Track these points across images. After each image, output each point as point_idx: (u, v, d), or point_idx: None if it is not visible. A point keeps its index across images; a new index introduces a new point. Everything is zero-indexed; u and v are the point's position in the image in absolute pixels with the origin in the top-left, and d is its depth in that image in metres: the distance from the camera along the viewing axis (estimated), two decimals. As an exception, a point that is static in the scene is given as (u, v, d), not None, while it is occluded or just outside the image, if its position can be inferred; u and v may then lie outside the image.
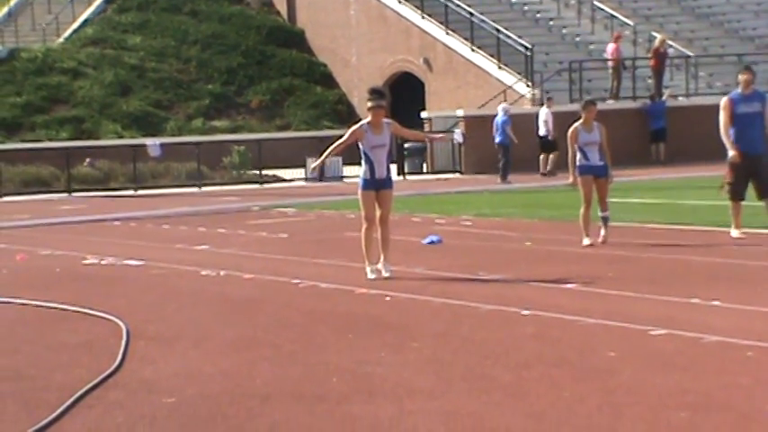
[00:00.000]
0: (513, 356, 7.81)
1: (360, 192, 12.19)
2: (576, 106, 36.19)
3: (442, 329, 8.97)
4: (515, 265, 12.69)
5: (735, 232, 14.42)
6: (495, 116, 30.38)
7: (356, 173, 37.63)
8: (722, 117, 14.34)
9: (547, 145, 31.02)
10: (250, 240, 16.83)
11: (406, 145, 35.25)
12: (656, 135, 33.87)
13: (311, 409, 6.50)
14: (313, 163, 12.55)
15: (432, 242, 15.27)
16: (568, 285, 10.98)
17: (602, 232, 14.48)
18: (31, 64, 43.31)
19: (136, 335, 9.01)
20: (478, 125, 34.25)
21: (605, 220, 14.59)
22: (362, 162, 12.17)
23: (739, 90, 14.45)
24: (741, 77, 14.39)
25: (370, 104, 12.05)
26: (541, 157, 31.27)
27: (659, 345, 8.04)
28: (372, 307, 10.20)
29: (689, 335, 8.30)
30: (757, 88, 14.74)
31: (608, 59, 35.72)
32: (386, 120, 12.20)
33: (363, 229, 12.15)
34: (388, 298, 10.61)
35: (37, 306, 10.80)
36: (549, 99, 32.23)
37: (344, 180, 33.80)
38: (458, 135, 34.19)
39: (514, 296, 10.41)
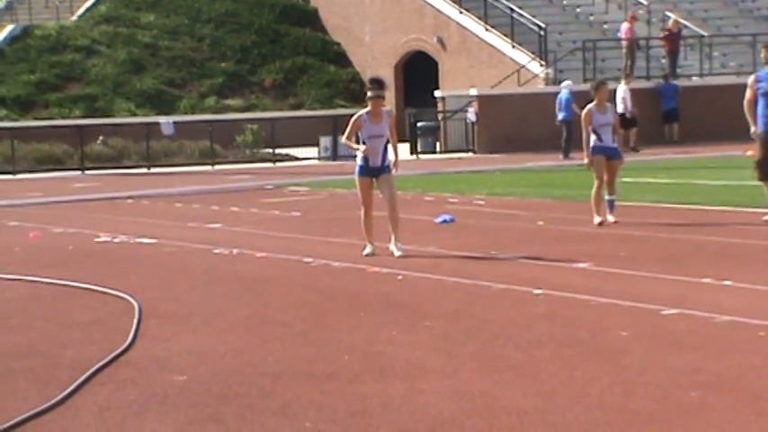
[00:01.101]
0: (524, 336, 7.81)
1: (356, 178, 12.44)
2: (589, 86, 36.17)
3: (453, 308, 8.97)
4: (528, 245, 12.68)
5: None
6: (558, 93, 30.28)
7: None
8: (747, 94, 14.25)
9: (626, 122, 31.10)
10: (263, 219, 16.85)
11: (419, 124, 35.24)
12: (669, 115, 33.74)
13: (323, 388, 6.51)
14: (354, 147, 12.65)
15: (444, 221, 15.26)
16: (580, 265, 10.97)
17: (609, 216, 14.44)
18: (45, 41, 43.33)
19: (148, 313, 9.04)
20: (492, 104, 34.20)
21: (611, 203, 14.57)
22: (348, 129, 12.44)
23: (766, 68, 14.29)
24: (764, 54, 14.26)
25: (369, 94, 12.20)
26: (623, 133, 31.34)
27: (671, 324, 8.03)
28: (384, 286, 10.20)
29: (700, 314, 8.28)
30: None
31: (622, 39, 35.58)
32: (385, 109, 12.38)
33: (361, 213, 12.47)
34: (400, 277, 10.61)
35: (49, 283, 10.84)
36: (627, 76, 32.45)
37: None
38: (471, 114, 34.14)
39: (526, 275, 10.41)
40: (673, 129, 33.63)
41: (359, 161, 12.38)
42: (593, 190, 14.41)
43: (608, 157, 14.43)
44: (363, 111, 12.33)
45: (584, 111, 14.52)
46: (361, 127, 12.26)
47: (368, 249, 12.28)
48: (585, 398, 6.13)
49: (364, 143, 12.27)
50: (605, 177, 14.49)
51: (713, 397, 6.08)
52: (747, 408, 5.85)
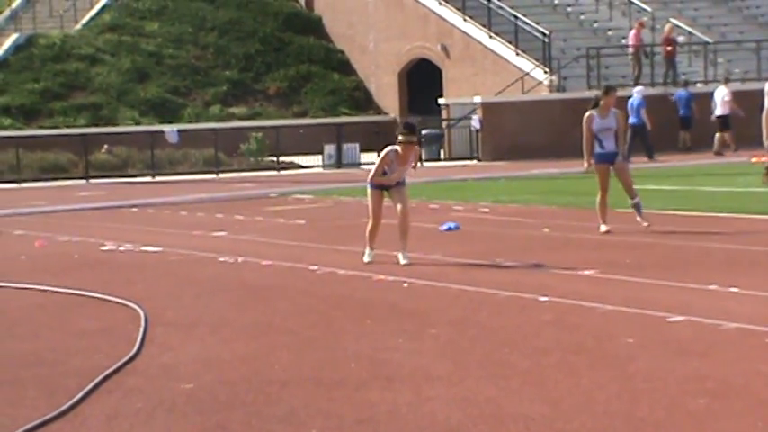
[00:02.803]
0: (530, 343, 7.81)
1: (368, 189, 12.46)
2: (593, 93, 36.14)
3: (459, 316, 8.97)
4: (533, 252, 12.68)
5: None
6: (630, 98, 30.38)
7: (372, 159, 37.41)
8: (765, 102, 14.17)
9: (725, 123, 31.26)
10: (268, 227, 16.86)
11: (423, 132, 35.23)
12: (683, 122, 33.50)
13: (329, 395, 6.51)
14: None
15: (449, 229, 15.26)
16: (586, 272, 10.97)
17: (639, 219, 14.36)
18: (49, 50, 43.37)
19: (154, 321, 9.04)
20: (496, 112, 34.21)
21: (637, 207, 14.47)
22: (377, 165, 12.30)
23: None
24: None
25: (402, 138, 12.14)
26: (717, 136, 31.45)
27: (677, 331, 8.03)
28: (390, 293, 10.21)
29: (707, 321, 8.28)
30: None
31: (629, 46, 35.58)
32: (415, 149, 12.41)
33: (369, 223, 12.45)
34: (405, 284, 10.62)
35: (56, 292, 10.85)
36: (726, 79, 32.78)
37: (361, 167, 33.77)
38: (475, 122, 34.15)
39: (532, 283, 10.41)
40: (686, 136, 33.50)
41: (374, 174, 12.34)
42: (598, 198, 14.38)
43: (610, 163, 14.38)
44: (392, 148, 12.19)
45: (586, 115, 14.47)
46: (388, 162, 12.16)
47: (368, 256, 12.28)
48: (592, 405, 6.13)
49: (385, 174, 12.22)
50: (621, 183, 14.40)
51: (720, 404, 6.07)
52: (754, 414, 5.85)
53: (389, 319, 8.91)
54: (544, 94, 35.07)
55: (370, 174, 12.45)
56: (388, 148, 12.25)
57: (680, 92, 33.50)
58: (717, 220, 15.16)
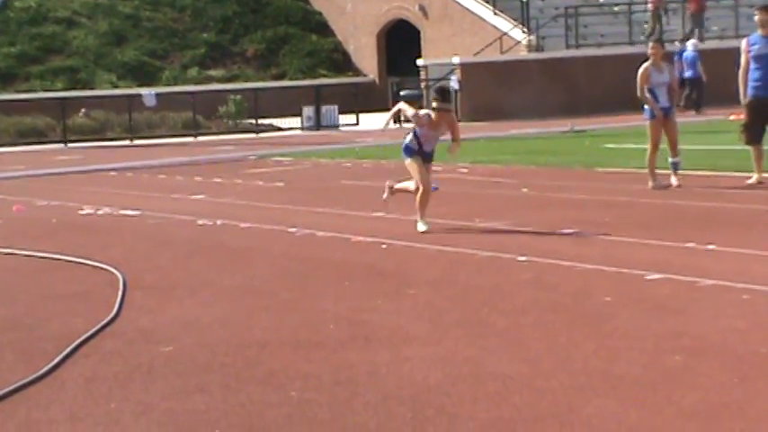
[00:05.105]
0: (509, 302, 7.83)
1: (408, 159, 11.62)
2: (572, 52, 36.12)
3: (438, 276, 8.98)
4: (512, 212, 12.69)
5: (752, 178, 14.27)
6: (683, 51, 30.60)
7: (351, 121, 37.22)
8: (742, 61, 14.15)
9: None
10: (246, 189, 16.82)
11: (402, 92, 35.15)
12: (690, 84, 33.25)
13: (308, 357, 6.52)
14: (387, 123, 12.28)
15: (428, 189, 15.24)
16: (565, 231, 10.99)
17: (673, 180, 14.33)
18: (25, 14, 43.07)
19: (133, 284, 9.02)
20: (475, 72, 34.15)
21: (675, 165, 14.40)
22: (411, 134, 11.62)
23: (758, 32, 14.21)
24: (757, 18, 14.19)
25: (435, 105, 11.52)
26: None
27: (655, 289, 8.06)
28: (369, 255, 10.21)
29: (684, 279, 8.31)
30: None
31: (648, 2, 35.74)
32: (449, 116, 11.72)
33: (420, 189, 11.57)
34: (384, 246, 10.62)
35: (34, 256, 10.81)
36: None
37: (340, 129, 33.72)
38: (454, 82, 34.09)
39: (511, 243, 10.42)
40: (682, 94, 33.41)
41: (410, 143, 11.60)
42: (648, 155, 14.27)
43: (665, 117, 14.21)
44: (427, 111, 11.61)
45: (641, 69, 14.24)
46: (419, 125, 11.52)
47: (424, 225, 11.45)
48: (570, 363, 6.15)
49: (416, 135, 11.54)
50: (667, 139, 14.27)
51: (697, 361, 6.11)
52: (731, 371, 5.88)
53: (368, 281, 8.92)
54: (523, 54, 35.02)
55: (397, 111, 11.86)
56: (423, 111, 11.66)
57: (686, 51, 32.17)
58: (695, 178, 15.18)
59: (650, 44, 14.56)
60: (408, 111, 11.58)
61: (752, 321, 6.96)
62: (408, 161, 11.65)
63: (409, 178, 11.83)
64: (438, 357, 6.39)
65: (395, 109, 11.98)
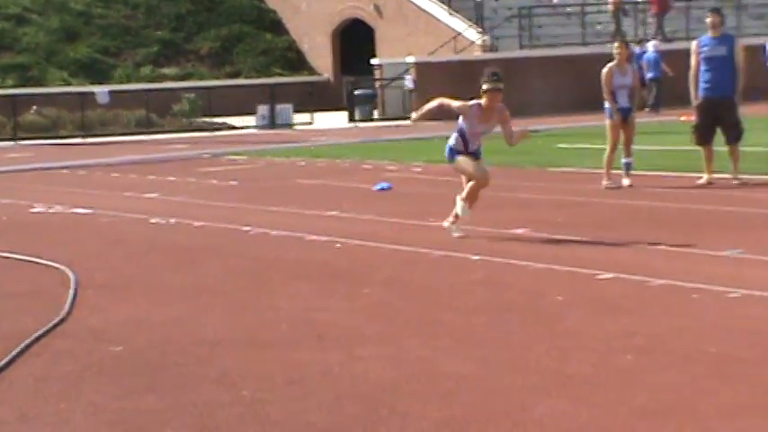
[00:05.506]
0: (462, 302, 7.85)
1: (457, 158, 10.86)
2: (525, 52, 36.24)
3: (391, 275, 8.99)
4: (465, 211, 12.69)
5: (703, 179, 14.38)
6: (644, 53, 30.90)
7: (306, 120, 37.00)
8: (692, 62, 14.29)
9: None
10: (200, 188, 16.76)
11: (356, 92, 35.19)
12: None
13: (261, 356, 6.50)
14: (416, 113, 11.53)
15: (382, 189, 15.28)
16: (518, 231, 11.04)
17: (625, 181, 14.43)
18: (-25, 10, 42.65)
19: (84, 283, 8.96)
20: (429, 72, 34.20)
21: (628, 165, 14.51)
22: (455, 134, 10.95)
23: (708, 33, 14.35)
24: (709, 20, 14.33)
25: (486, 87, 10.64)
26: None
27: (606, 289, 8.12)
28: (322, 254, 10.20)
29: (635, 278, 8.38)
30: (727, 31, 14.70)
31: (609, 3, 35.94)
32: (500, 104, 10.81)
33: (474, 184, 10.86)
34: (338, 245, 10.61)
35: (-16, 255, 10.70)
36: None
37: (295, 128, 33.67)
38: (409, 81, 34.14)
39: (464, 242, 10.45)
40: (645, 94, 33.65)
41: (455, 145, 10.89)
42: (606, 154, 14.38)
43: (624, 119, 14.30)
44: (474, 102, 10.75)
45: (605, 70, 14.31)
46: (466, 118, 10.76)
47: (463, 210, 10.79)
48: (523, 362, 6.18)
49: (462, 133, 10.86)
50: (623, 139, 14.37)
51: (647, 360, 6.16)
52: (681, 369, 5.94)
53: (321, 279, 8.91)
54: (477, 53, 35.12)
55: (440, 102, 10.95)
56: (472, 102, 10.76)
57: (646, 52, 32.12)
58: (646, 178, 15.29)
59: (615, 45, 14.65)
60: (453, 103, 10.85)
61: (700, 320, 7.04)
62: (455, 161, 10.93)
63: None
64: (391, 357, 6.40)
65: (434, 103, 11.06)
